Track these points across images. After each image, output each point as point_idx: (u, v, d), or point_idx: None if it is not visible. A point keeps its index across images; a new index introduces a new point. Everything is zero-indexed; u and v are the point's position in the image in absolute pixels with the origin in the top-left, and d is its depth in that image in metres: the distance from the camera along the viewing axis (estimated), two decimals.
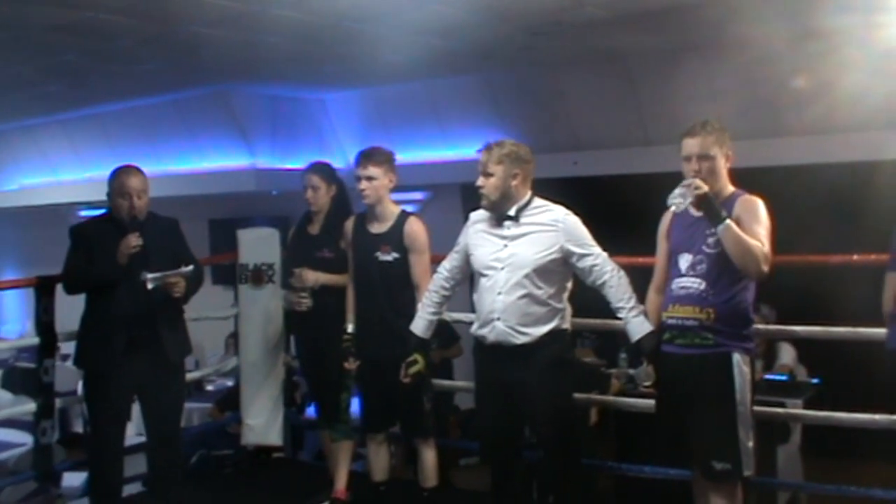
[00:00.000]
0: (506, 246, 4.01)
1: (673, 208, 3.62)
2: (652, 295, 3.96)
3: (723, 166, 3.71)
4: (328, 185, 4.86)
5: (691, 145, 3.68)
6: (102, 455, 4.60)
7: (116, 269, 4.37)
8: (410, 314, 4.41)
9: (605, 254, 4.00)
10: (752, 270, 3.58)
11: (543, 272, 3.96)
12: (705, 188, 3.54)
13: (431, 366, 4.55)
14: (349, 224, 4.72)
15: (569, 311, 4.14)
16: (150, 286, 4.34)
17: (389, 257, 4.51)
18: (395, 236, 4.53)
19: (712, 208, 3.55)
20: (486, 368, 4.17)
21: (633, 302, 3.93)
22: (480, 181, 4.03)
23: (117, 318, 4.41)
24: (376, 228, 4.58)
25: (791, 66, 6.20)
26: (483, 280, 4.08)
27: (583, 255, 3.96)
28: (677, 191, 3.57)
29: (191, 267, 4.48)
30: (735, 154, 3.76)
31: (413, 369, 4.28)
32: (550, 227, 3.98)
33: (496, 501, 4.30)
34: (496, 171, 3.98)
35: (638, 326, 3.91)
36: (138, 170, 4.55)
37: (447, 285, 4.32)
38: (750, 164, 4.43)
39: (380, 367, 4.50)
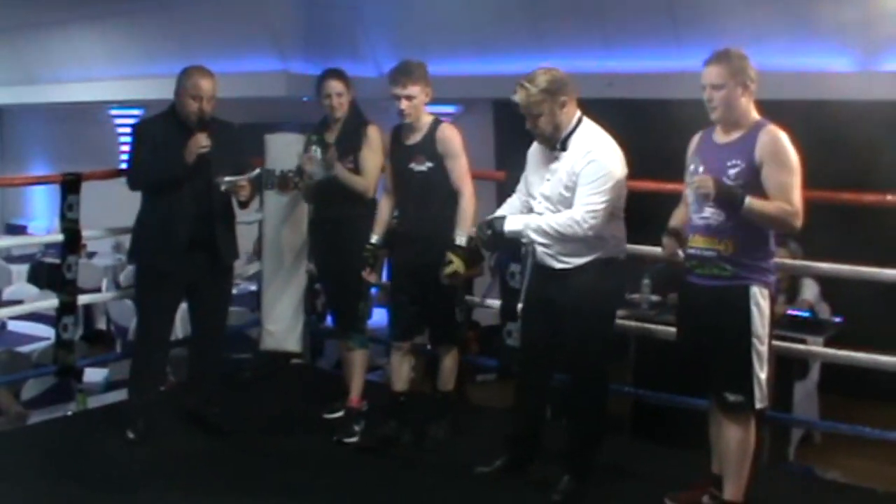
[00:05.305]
0: (548, 179, 4.00)
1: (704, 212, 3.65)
2: (680, 207, 3.93)
3: (739, 95, 3.60)
4: (348, 89, 4.84)
5: (705, 74, 3.64)
6: (149, 346, 4.77)
7: (183, 166, 4.43)
8: (446, 222, 4.42)
9: (593, 201, 3.81)
10: (784, 231, 3.65)
11: (568, 204, 3.90)
12: (708, 187, 3.52)
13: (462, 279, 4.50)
14: (386, 138, 4.72)
15: (616, 239, 4.03)
16: (223, 188, 4.45)
17: (424, 167, 4.49)
18: (428, 145, 4.50)
19: (726, 197, 3.54)
20: (533, 285, 4.27)
21: (543, 226, 3.89)
22: (529, 124, 3.94)
23: (180, 217, 4.52)
24: (410, 140, 4.56)
25: None
26: (534, 205, 4.08)
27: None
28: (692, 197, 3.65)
29: (257, 171, 4.60)
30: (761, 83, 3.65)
31: (449, 269, 4.24)
32: (577, 160, 3.89)
33: (514, 414, 4.37)
34: (543, 109, 3.88)
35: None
36: (211, 73, 4.60)
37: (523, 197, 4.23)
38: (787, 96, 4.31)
39: (415, 275, 4.55)
